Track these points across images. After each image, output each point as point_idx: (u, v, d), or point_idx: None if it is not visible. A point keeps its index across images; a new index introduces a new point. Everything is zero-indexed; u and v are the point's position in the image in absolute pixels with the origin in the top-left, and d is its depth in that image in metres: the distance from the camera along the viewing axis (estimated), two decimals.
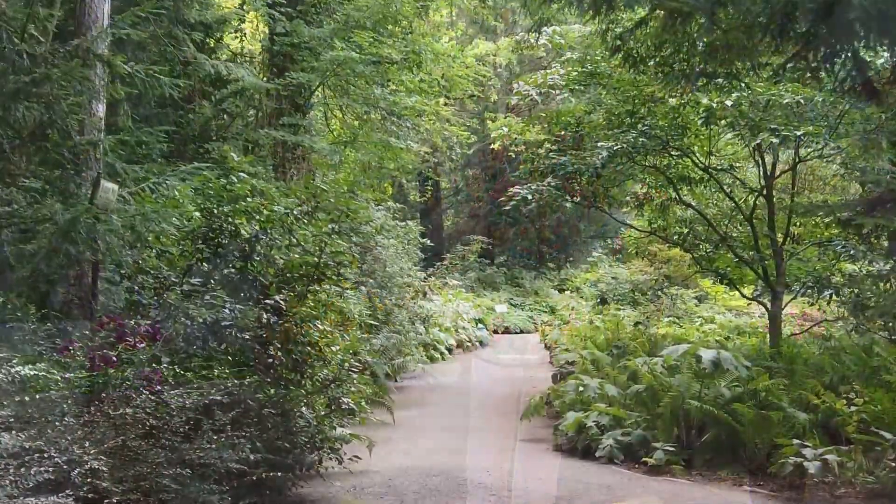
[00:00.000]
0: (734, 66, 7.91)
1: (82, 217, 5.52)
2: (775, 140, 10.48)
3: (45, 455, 4.38)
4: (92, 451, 4.46)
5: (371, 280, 14.80)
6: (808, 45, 5.31)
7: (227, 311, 6.43)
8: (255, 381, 6.30)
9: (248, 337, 6.40)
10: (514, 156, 26.73)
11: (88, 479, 4.30)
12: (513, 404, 12.82)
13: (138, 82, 7.84)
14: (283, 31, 15.25)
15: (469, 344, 21.38)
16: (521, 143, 16.05)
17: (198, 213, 7.02)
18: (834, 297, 11.74)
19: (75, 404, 5.05)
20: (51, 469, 4.24)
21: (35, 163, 7.54)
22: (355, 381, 7.89)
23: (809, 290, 12.09)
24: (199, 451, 5.04)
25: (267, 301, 6.65)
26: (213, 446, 5.12)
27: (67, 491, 4.22)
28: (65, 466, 4.27)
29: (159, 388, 5.21)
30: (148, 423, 5.00)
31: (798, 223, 14.42)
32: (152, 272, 6.72)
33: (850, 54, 5.48)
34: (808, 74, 5.71)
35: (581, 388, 10.27)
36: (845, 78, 5.54)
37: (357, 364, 8.16)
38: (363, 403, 8.32)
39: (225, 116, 15.60)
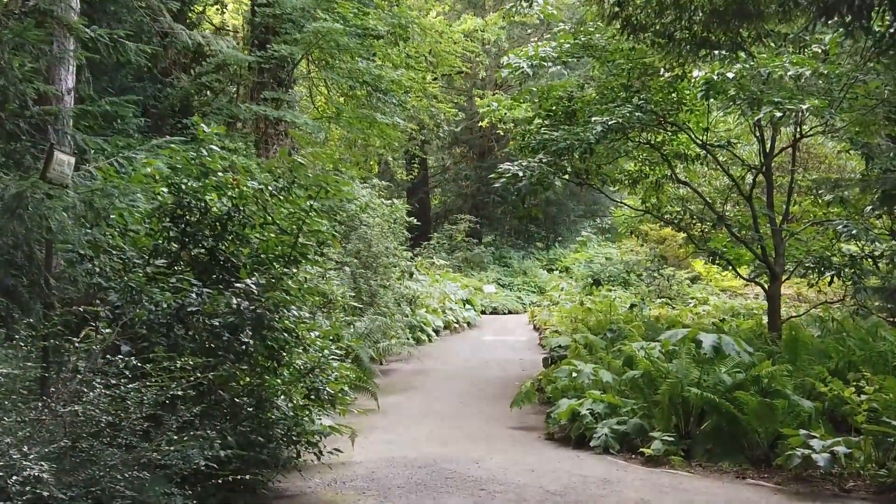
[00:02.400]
0: (740, 35, 7.39)
1: (29, 192, 5.00)
2: (778, 114, 10.05)
3: None
4: (33, 454, 3.96)
5: (355, 260, 14.34)
6: None
7: (194, 295, 5.92)
8: (225, 370, 5.81)
9: (217, 323, 5.89)
10: (502, 133, 26.25)
11: (28, 487, 3.80)
12: (503, 389, 12.42)
13: (101, 48, 7.29)
14: (265, 2, 14.73)
15: (457, 325, 21.01)
16: (510, 120, 15.54)
17: (165, 189, 6.48)
18: (836, 278, 11.37)
19: (20, 401, 4.54)
20: None
21: None
22: (337, 368, 7.39)
23: (809, 271, 11.73)
24: (159, 451, 4.54)
25: (238, 284, 6.14)
26: (174, 448, 4.62)
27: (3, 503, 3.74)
28: (0, 473, 3.77)
29: (115, 381, 4.70)
30: (102, 421, 4.50)
31: (795, 202, 14.04)
32: (115, 252, 6.20)
33: (889, 7, 4.99)
34: (843, 31, 5.21)
35: (574, 374, 9.84)
36: (883, 34, 5.05)
37: (339, 351, 7.65)
38: (345, 390, 7.81)
39: (208, 93, 15.07)
